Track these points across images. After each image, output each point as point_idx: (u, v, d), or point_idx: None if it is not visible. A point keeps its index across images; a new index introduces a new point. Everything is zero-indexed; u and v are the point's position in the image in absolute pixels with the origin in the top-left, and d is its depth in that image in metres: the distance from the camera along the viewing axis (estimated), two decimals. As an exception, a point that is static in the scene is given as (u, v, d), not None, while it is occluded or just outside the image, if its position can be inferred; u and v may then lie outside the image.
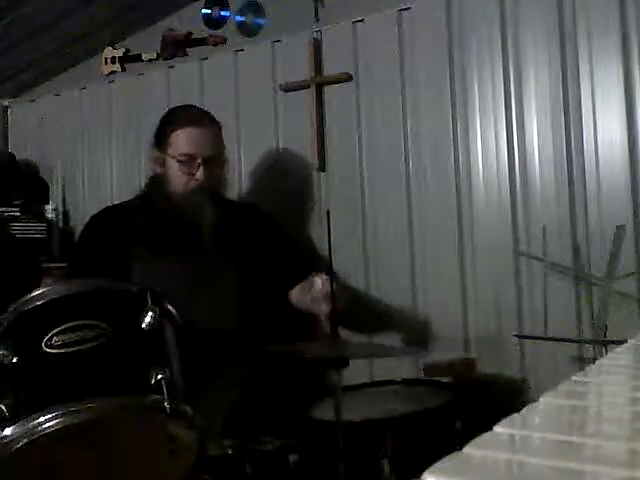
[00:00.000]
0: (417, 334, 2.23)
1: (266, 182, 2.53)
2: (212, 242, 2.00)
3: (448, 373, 1.97)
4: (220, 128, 2.08)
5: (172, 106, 2.11)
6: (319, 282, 1.83)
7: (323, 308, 1.78)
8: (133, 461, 1.28)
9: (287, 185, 2.51)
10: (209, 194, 2.00)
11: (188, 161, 1.97)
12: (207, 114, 2.08)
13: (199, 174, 1.96)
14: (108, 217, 2.06)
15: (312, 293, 1.85)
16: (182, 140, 1.98)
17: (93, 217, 2.09)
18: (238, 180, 2.53)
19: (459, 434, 1.52)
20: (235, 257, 2.03)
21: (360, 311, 2.28)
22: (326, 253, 1.56)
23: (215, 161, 2.02)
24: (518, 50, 2.15)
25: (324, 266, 2.33)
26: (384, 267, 2.33)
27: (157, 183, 2.04)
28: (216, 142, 2.05)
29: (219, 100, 2.58)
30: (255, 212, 2.21)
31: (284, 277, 2.04)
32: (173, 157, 1.98)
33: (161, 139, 2.02)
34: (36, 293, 1.28)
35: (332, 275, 1.62)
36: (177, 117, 2.04)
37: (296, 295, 1.99)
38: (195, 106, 2.14)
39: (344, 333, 1.76)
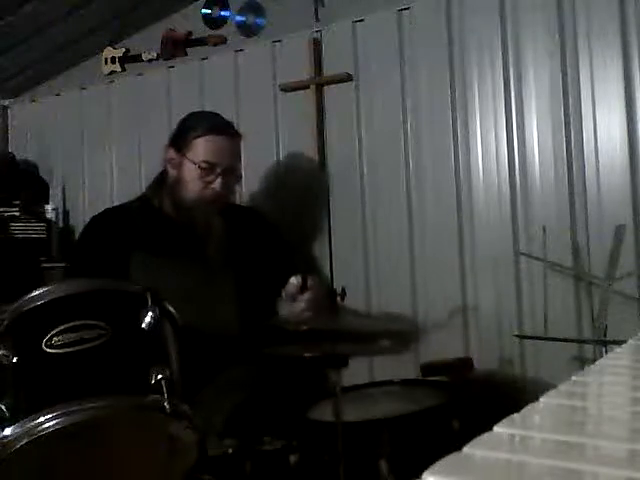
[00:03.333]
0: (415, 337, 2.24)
1: (267, 182, 2.53)
2: (214, 247, 2.01)
3: (445, 373, 1.97)
4: (241, 140, 2.07)
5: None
6: (293, 280, 1.89)
7: (298, 306, 1.86)
8: (133, 461, 1.28)
9: (287, 185, 2.51)
10: (221, 205, 2.01)
11: (209, 169, 1.94)
12: (231, 124, 2.05)
13: (216, 183, 1.95)
14: (109, 219, 2.04)
15: (287, 290, 1.89)
16: (206, 147, 1.96)
17: (93, 218, 2.07)
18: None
19: (457, 434, 1.52)
20: (235, 262, 2.04)
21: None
22: (325, 252, 1.56)
23: (233, 173, 2.02)
24: (518, 50, 2.15)
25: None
26: (384, 266, 2.33)
27: (167, 184, 2.01)
28: (238, 154, 2.05)
29: (219, 100, 2.58)
30: (257, 218, 2.21)
31: (276, 285, 2.04)
32: (193, 162, 1.95)
33: (182, 142, 1.99)
34: (36, 293, 1.28)
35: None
36: (202, 123, 2.00)
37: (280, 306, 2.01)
38: (219, 114, 2.10)
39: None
